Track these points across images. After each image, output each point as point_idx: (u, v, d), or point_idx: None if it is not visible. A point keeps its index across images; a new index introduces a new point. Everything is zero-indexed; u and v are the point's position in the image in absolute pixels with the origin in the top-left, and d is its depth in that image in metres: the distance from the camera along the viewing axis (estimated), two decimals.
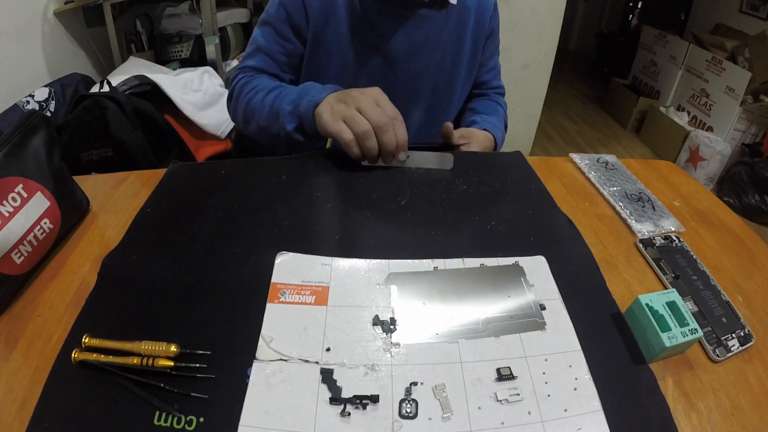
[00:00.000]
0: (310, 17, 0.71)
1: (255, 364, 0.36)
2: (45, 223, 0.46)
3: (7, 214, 0.42)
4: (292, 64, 0.77)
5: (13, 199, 0.43)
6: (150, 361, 0.36)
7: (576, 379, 0.37)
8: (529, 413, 0.34)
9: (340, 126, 0.57)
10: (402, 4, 0.71)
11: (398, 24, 0.72)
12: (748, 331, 0.42)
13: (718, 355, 0.40)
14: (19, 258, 0.43)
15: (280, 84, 0.72)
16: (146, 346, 0.36)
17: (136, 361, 0.36)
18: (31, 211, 0.45)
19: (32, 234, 0.45)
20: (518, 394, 0.35)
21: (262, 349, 0.38)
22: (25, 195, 0.45)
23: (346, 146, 0.57)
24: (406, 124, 0.74)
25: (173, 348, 0.36)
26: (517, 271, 0.46)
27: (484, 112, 0.85)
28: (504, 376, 0.37)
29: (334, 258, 0.46)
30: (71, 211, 0.51)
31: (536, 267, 0.46)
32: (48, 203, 0.47)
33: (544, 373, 0.37)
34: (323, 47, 0.73)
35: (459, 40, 0.77)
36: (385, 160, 0.59)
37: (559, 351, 0.39)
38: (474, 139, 0.75)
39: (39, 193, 0.46)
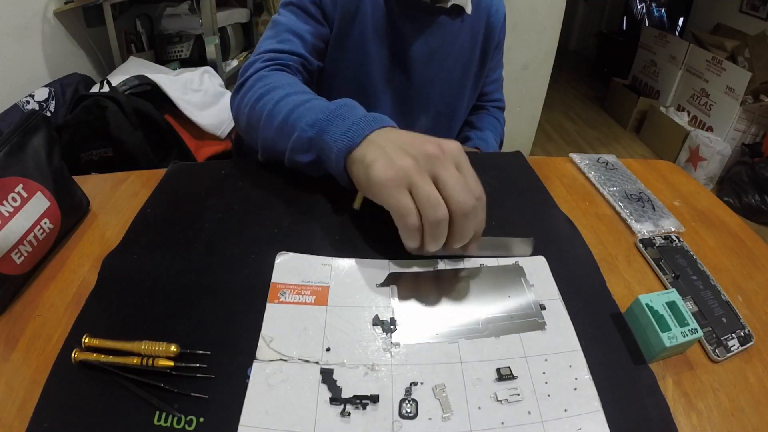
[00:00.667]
0: (339, 6, 0.67)
1: (255, 364, 0.36)
2: (45, 223, 0.46)
3: (7, 214, 0.42)
4: (320, 49, 0.67)
5: (13, 199, 0.43)
6: (150, 361, 0.36)
7: (576, 379, 0.37)
8: (529, 413, 0.34)
9: (403, 201, 0.38)
10: (424, 10, 0.71)
11: (418, 29, 0.72)
12: (748, 331, 0.42)
13: (718, 355, 0.40)
14: (19, 258, 0.43)
15: (306, 90, 0.55)
16: (146, 346, 0.36)
17: (136, 361, 0.36)
18: (31, 211, 0.45)
19: (32, 234, 0.45)
20: (518, 394, 0.35)
21: (262, 349, 0.38)
22: (25, 195, 0.45)
23: (403, 231, 0.39)
24: (414, 130, 0.70)
25: (173, 348, 0.36)
26: (517, 271, 0.46)
27: (480, 127, 0.86)
28: (504, 376, 0.37)
29: (334, 258, 0.46)
30: (71, 211, 0.51)
31: (536, 267, 0.46)
32: (48, 203, 0.47)
33: (544, 373, 0.37)
34: (347, 43, 0.71)
35: (471, 49, 0.78)
36: (446, 250, 0.41)
37: (559, 351, 0.39)
38: None
39: (39, 193, 0.46)
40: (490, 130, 0.87)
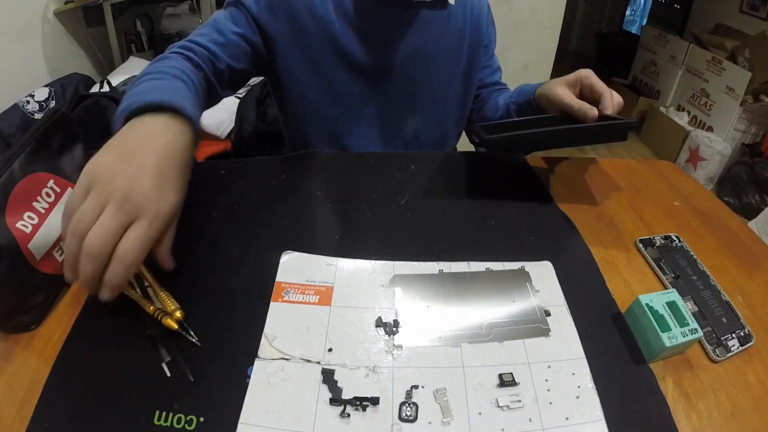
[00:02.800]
0: (281, 19, 0.64)
1: (257, 363, 0.37)
2: None
3: (43, 211, 0.42)
4: (243, 51, 0.64)
5: (47, 194, 0.43)
6: (161, 316, 0.38)
7: (579, 387, 0.36)
8: (530, 420, 0.34)
9: (73, 196, 0.36)
10: (403, 5, 0.67)
11: (398, 28, 0.68)
12: (748, 331, 0.42)
13: (718, 355, 0.40)
14: (61, 256, 0.43)
15: (169, 76, 0.50)
16: (162, 295, 0.40)
17: (151, 309, 0.39)
18: None
19: None
20: (519, 401, 0.35)
21: (265, 348, 0.38)
22: (57, 190, 0.44)
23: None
24: (402, 131, 0.70)
25: (178, 314, 0.39)
26: (523, 276, 0.45)
27: (501, 97, 0.80)
28: (506, 382, 0.36)
29: (339, 258, 0.46)
30: None
31: (542, 272, 0.46)
32: None
33: (546, 380, 0.37)
34: (312, 53, 0.66)
35: (457, 46, 0.74)
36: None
37: (562, 358, 0.38)
38: (587, 74, 0.60)
39: (70, 189, 0.46)
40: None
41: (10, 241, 0.38)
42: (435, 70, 0.74)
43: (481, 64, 0.80)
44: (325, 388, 0.35)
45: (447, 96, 0.78)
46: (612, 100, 0.57)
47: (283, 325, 0.40)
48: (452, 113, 0.81)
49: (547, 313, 0.42)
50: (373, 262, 0.46)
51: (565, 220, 0.54)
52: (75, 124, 0.50)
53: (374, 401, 0.35)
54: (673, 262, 0.49)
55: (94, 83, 1.43)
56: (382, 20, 0.67)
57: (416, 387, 0.36)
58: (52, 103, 1.31)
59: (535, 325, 0.41)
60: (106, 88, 1.30)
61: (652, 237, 0.52)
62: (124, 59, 1.58)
